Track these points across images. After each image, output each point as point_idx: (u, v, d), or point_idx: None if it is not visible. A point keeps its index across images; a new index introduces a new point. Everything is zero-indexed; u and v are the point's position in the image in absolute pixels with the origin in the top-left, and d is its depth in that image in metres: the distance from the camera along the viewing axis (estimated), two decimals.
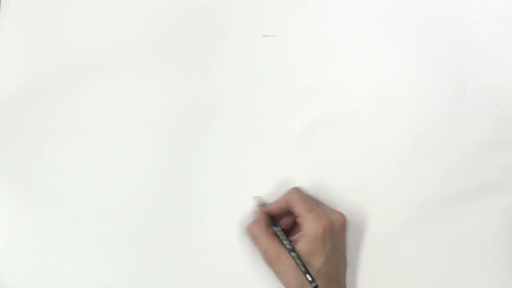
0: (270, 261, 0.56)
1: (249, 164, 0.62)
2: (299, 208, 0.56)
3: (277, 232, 0.57)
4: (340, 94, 0.62)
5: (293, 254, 0.54)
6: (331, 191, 0.61)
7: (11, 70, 0.61)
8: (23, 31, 0.62)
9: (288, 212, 0.58)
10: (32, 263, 0.59)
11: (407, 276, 0.60)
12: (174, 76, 0.62)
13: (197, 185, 0.61)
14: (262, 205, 0.59)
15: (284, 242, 0.56)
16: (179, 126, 0.62)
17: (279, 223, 0.58)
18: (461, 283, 0.60)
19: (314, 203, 0.58)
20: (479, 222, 0.61)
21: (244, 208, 0.61)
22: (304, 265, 0.54)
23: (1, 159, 0.60)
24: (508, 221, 0.61)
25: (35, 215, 0.60)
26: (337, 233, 0.56)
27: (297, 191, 0.58)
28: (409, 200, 0.61)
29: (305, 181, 0.61)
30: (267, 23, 0.63)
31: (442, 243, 0.61)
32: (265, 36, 0.63)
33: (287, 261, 0.55)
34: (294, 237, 0.56)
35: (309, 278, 0.53)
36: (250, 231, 0.58)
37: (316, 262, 0.54)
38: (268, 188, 0.60)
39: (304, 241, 0.55)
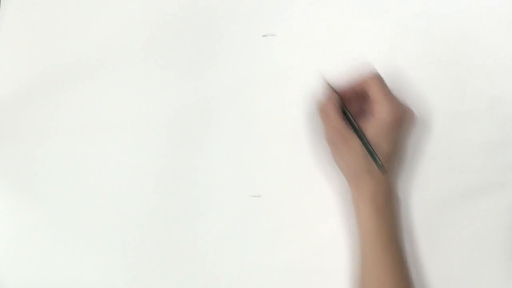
0: (335, 140, 0.56)
1: (249, 163, 0.62)
2: (377, 92, 0.55)
3: (348, 115, 0.56)
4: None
5: (363, 137, 0.54)
6: (330, 190, 0.61)
7: (11, 70, 0.62)
8: (23, 31, 0.62)
9: (358, 98, 0.57)
10: (32, 263, 0.59)
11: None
12: (174, 76, 0.62)
13: (198, 185, 0.61)
14: (332, 84, 0.58)
15: (355, 124, 0.55)
16: (179, 126, 0.62)
17: (348, 109, 0.57)
18: (461, 282, 0.60)
19: (391, 92, 0.57)
20: (479, 222, 0.61)
21: (244, 208, 0.61)
22: (374, 150, 0.53)
23: (1, 159, 0.60)
24: (508, 221, 0.61)
25: (35, 215, 0.60)
26: (405, 126, 0.56)
27: (378, 75, 0.57)
28: (409, 200, 0.61)
29: (305, 180, 0.61)
30: (267, 23, 0.63)
31: (442, 243, 0.61)
32: (265, 36, 0.63)
33: (354, 143, 0.55)
34: (363, 123, 0.56)
35: (380, 163, 0.53)
36: (323, 107, 0.57)
37: (382, 149, 0.54)
38: (269, 187, 0.60)
39: (374, 126, 0.55)
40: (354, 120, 0.56)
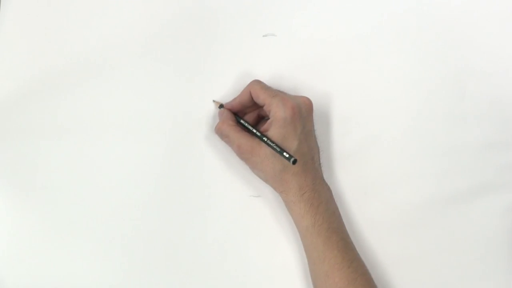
0: (245, 155, 0.57)
1: None
2: (263, 96, 0.56)
3: (246, 125, 0.58)
4: (340, 94, 0.62)
5: (265, 140, 0.55)
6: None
7: (11, 70, 0.61)
8: (23, 31, 0.62)
9: (250, 107, 0.59)
10: (32, 263, 0.59)
11: (407, 276, 0.60)
12: (174, 76, 0.62)
13: (198, 185, 0.61)
14: (223, 105, 0.60)
15: (255, 131, 0.56)
16: (179, 126, 0.62)
17: (244, 118, 0.59)
18: (461, 282, 0.61)
19: (276, 90, 0.58)
20: (479, 222, 0.61)
21: (244, 208, 0.61)
22: (279, 146, 0.54)
23: (1, 159, 0.60)
24: (508, 221, 0.61)
25: (35, 215, 0.60)
26: (305, 115, 0.57)
27: (257, 81, 0.58)
28: (409, 200, 0.61)
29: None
30: (267, 23, 0.63)
31: (442, 243, 0.61)
32: (265, 36, 0.63)
33: (261, 150, 0.55)
34: (263, 127, 0.57)
35: (287, 156, 0.53)
36: (219, 130, 0.58)
37: (290, 145, 0.55)
38: (269, 187, 0.60)
39: (275, 127, 0.55)
40: (252, 127, 0.57)
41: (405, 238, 0.61)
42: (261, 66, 0.62)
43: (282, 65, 0.63)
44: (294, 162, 0.53)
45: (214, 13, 0.63)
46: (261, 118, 0.61)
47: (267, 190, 0.61)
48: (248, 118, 0.60)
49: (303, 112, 0.56)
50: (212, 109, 0.62)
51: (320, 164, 0.59)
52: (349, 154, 0.62)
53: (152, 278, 0.60)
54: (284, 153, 0.53)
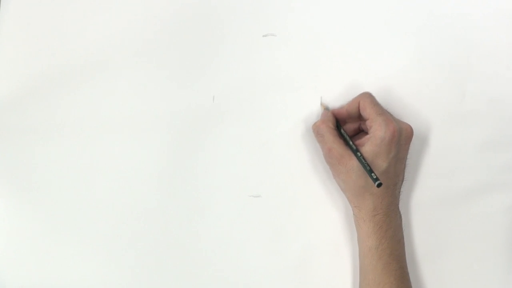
0: (333, 160, 0.57)
1: (249, 163, 0.61)
2: (370, 111, 0.56)
3: (343, 134, 0.58)
4: (340, 94, 0.62)
5: (359, 155, 0.55)
6: (331, 190, 0.61)
7: (11, 70, 0.61)
8: (23, 31, 0.62)
9: (354, 118, 0.59)
10: (32, 263, 0.59)
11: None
12: (174, 76, 0.62)
13: (198, 185, 0.61)
14: (329, 108, 0.60)
15: (350, 142, 0.56)
16: (179, 126, 0.62)
17: (344, 128, 0.59)
18: (461, 282, 0.61)
19: (384, 109, 0.58)
20: (479, 222, 0.61)
21: (244, 208, 0.61)
22: (368, 165, 0.54)
23: (1, 159, 0.60)
24: (508, 221, 0.61)
25: (35, 215, 0.60)
26: (403, 142, 0.57)
27: (369, 95, 0.58)
28: (409, 200, 0.61)
29: (306, 180, 0.61)
30: (267, 23, 0.63)
31: (442, 243, 0.61)
32: (265, 36, 0.63)
33: (350, 161, 0.55)
34: (359, 141, 0.57)
35: (374, 176, 0.53)
36: (317, 128, 0.58)
37: (379, 166, 0.55)
38: (269, 187, 0.60)
39: (370, 143, 0.55)
40: (349, 138, 0.57)
41: (404, 239, 0.61)
42: (261, 66, 0.62)
43: (282, 65, 0.63)
44: (379, 185, 0.53)
45: (214, 13, 0.63)
46: (359, 131, 0.61)
47: (267, 190, 0.61)
48: (348, 127, 0.60)
49: (402, 138, 0.56)
50: (213, 108, 0.62)
51: (400, 192, 0.59)
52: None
53: (152, 277, 0.60)
54: (372, 174, 0.53)
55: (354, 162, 0.55)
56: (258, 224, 0.61)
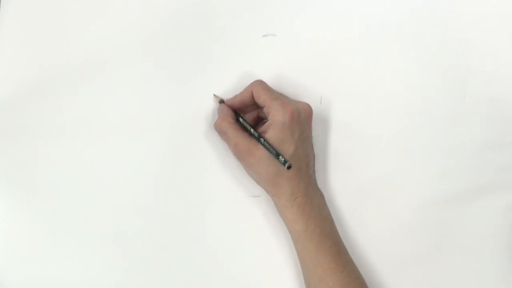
0: (241, 154, 0.56)
1: None
2: (264, 97, 0.56)
3: (244, 124, 0.58)
4: (340, 94, 0.62)
5: (262, 141, 0.55)
6: (330, 190, 0.61)
7: (11, 70, 0.61)
8: (23, 31, 0.62)
9: (250, 107, 0.59)
10: (32, 263, 0.59)
11: (407, 276, 0.60)
12: (173, 76, 0.62)
13: (198, 185, 0.61)
14: (223, 101, 0.60)
15: (253, 132, 0.56)
16: (179, 126, 0.62)
17: (243, 118, 0.59)
18: (461, 282, 0.61)
19: (278, 93, 0.58)
20: (479, 222, 0.61)
21: (244, 208, 0.61)
22: (275, 149, 0.54)
23: (1, 159, 0.60)
24: (508, 221, 0.61)
25: (35, 215, 0.60)
26: (303, 121, 0.57)
27: (260, 82, 0.58)
28: (409, 200, 0.62)
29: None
30: (267, 23, 0.63)
31: (442, 243, 0.61)
32: (265, 36, 0.63)
33: (258, 151, 0.55)
34: (261, 128, 0.57)
35: (282, 160, 0.53)
36: (218, 126, 0.58)
37: (287, 150, 0.55)
38: None
39: (272, 130, 0.55)
40: (250, 128, 0.57)
41: (404, 239, 0.61)
42: (261, 66, 0.62)
43: (282, 65, 0.63)
44: (289, 167, 0.53)
45: (214, 13, 0.63)
46: (260, 119, 0.61)
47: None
48: (247, 117, 0.60)
49: (302, 118, 0.56)
50: (212, 107, 0.62)
51: (314, 170, 0.59)
52: (348, 155, 0.62)
53: (152, 277, 0.60)
54: (280, 157, 0.53)
55: (262, 151, 0.55)
56: (258, 224, 0.61)
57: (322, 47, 0.63)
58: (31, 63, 0.62)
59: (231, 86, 0.62)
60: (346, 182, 0.61)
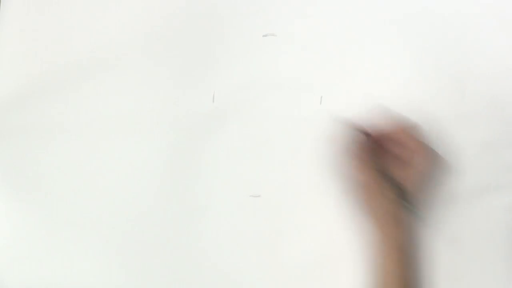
0: (369, 188, 0.55)
1: (250, 163, 0.61)
2: (415, 141, 0.55)
3: (378, 161, 0.56)
4: (339, 94, 0.62)
5: (394, 183, 0.54)
6: (331, 190, 0.61)
7: (11, 70, 0.61)
8: (23, 31, 0.62)
9: (389, 141, 0.57)
10: (32, 263, 0.59)
11: None
12: (174, 76, 0.62)
13: (198, 185, 0.61)
14: (362, 130, 0.58)
15: (386, 171, 0.55)
16: (180, 126, 0.62)
17: (378, 151, 0.57)
18: (461, 282, 0.60)
19: (426, 141, 0.57)
20: (479, 222, 0.61)
21: (244, 208, 0.61)
22: (404, 195, 0.54)
23: (1, 159, 0.60)
24: (508, 221, 0.61)
25: (35, 215, 0.60)
26: (438, 174, 0.56)
27: (412, 122, 0.57)
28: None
29: (305, 180, 0.61)
30: (267, 23, 0.63)
31: (442, 243, 0.61)
32: (265, 36, 0.63)
33: (388, 191, 0.54)
34: (396, 169, 0.56)
35: (410, 207, 0.53)
36: (355, 155, 0.56)
37: (418, 197, 0.55)
38: (269, 187, 0.60)
39: (411, 174, 0.55)
40: (386, 167, 0.56)
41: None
42: (261, 66, 0.62)
43: (282, 65, 0.63)
44: (415, 215, 0.54)
45: (214, 13, 0.63)
46: (392, 156, 0.58)
47: (267, 190, 0.61)
48: (380, 150, 0.58)
49: (438, 171, 0.57)
50: (213, 108, 0.62)
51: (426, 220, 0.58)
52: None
53: (153, 277, 0.60)
54: (409, 204, 0.54)
55: (392, 191, 0.55)
56: (258, 224, 0.61)
57: (322, 47, 0.63)
58: (31, 63, 0.62)
59: (231, 86, 0.62)
60: (346, 182, 0.61)
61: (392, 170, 0.56)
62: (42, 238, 0.60)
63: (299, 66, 0.63)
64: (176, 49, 0.62)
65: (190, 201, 0.61)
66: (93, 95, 0.61)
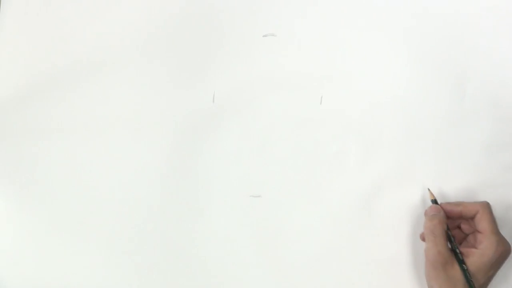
0: (436, 265, 0.56)
1: (250, 163, 0.62)
2: (486, 225, 0.56)
3: (451, 238, 0.57)
4: (339, 94, 0.62)
5: (464, 266, 0.55)
6: (331, 190, 0.61)
7: (11, 70, 0.61)
8: (23, 31, 0.62)
9: (459, 218, 0.59)
10: (32, 263, 0.59)
11: (407, 276, 0.60)
12: (174, 76, 0.62)
13: (198, 185, 0.61)
14: (437, 202, 0.59)
15: (457, 251, 0.56)
16: (179, 126, 0.62)
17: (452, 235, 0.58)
18: None
19: (497, 227, 0.57)
20: None
21: (244, 208, 0.61)
22: (472, 281, 0.54)
23: (1, 159, 0.60)
24: (509, 221, 0.61)
25: (35, 215, 0.60)
26: (503, 262, 0.57)
27: (489, 207, 0.58)
28: (409, 200, 0.61)
29: (305, 180, 0.61)
30: (267, 23, 0.63)
31: None
32: (265, 36, 0.63)
33: (452, 270, 0.55)
34: (465, 250, 0.57)
35: None
36: (434, 228, 0.57)
37: (480, 282, 0.55)
38: (269, 187, 0.60)
39: (477, 258, 0.55)
40: (457, 248, 0.57)
41: (404, 238, 0.61)
42: (261, 66, 0.62)
43: (282, 65, 0.63)
44: None
45: (214, 13, 0.63)
46: (459, 235, 0.60)
47: (267, 190, 0.61)
48: (452, 224, 0.59)
49: (503, 261, 0.57)
50: (213, 108, 0.62)
51: None
52: (348, 155, 0.62)
53: (153, 277, 0.60)
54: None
55: (458, 271, 0.55)
56: (258, 224, 0.61)
57: (322, 47, 0.63)
58: (31, 63, 0.62)
59: (231, 86, 0.62)
60: (346, 182, 0.61)
61: (463, 251, 0.57)
62: (42, 238, 0.60)
63: (299, 66, 0.63)
64: (176, 49, 0.62)
65: (190, 201, 0.61)
66: (93, 95, 0.61)
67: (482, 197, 0.61)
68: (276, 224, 0.61)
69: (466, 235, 0.59)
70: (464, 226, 0.59)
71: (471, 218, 0.58)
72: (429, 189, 0.60)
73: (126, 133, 0.61)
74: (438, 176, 0.62)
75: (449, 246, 0.57)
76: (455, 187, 0.62)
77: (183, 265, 0.60)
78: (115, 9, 0.63)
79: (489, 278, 0.56)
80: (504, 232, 0.57)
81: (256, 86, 0.62)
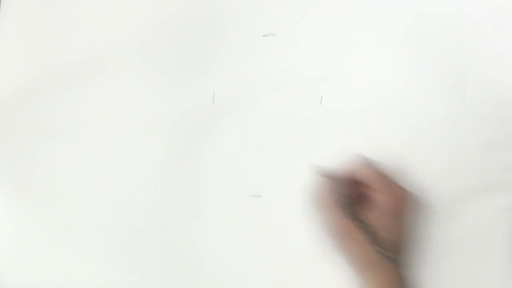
0: (339, 234, 0.54)
1: (250, 163, 0.62)
2: (373, 180, 0.55)
3: (345, 204, 0.55)
4: (339, 94, 0.62)
5: (363, 225, 0.53)
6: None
7: (11, 70, 0.61)
8: (23, 31, 0.62)
9: (352, 183, 0.56)
10: (32, 263, 0.59)
11: (407, 275, 0.60)
12: (174, 76, 0.62)
13: (198, 185, 0.61)
14: (326, 174, 0.57)
15: (354, 215, 0.54)
16: (179, 126, 0.62)
17: (342, 192, 0.56)
18: (461, 283, 0.60)
19: (388, 176, 0.56)
20: (479, 222, 0.61)
21: (244, 208, 0.61)
22: (376, 238, 0.52)
23: (1, 159, 0.60)
24: (508, 221, 0.61)
25: (35, 215, 0.60)
26: (406, 211, 0.55)
27: (369, 162, 0.56)
28: None
29: (305, 180, 0.61)
30: (267, 23, 0.63)
31: (442, 243, 0.61)
32: (265, 36, 0.63)
33: (358, 235, 0.53)
34: (363, 210, 0.55)
35: (385, 253, 0.52)
36: (320, 201, 0.56)
37: (387, 237, 0.53)
38: (269, 187, 0.60)
39: (376, 214, 0.54)
40: (355, 212, 0.55)
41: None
42: (261, 66, 0.62)
43: (282, 65, 0.63)
44: (391, 261, 0.52)
45: (214, 13, 0.63)
46: (358, 198, 0.58)
47: (267, 190, 0.61)
48: (346, 190, 0.57)
49: (408, 207, 0.55)
50: (213, 108, 0.62)
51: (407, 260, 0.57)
52: (348, 155, 0.62)
53: (152, 277, 0.60)
54: (384, 250, 0.53)
55: (362, 234, 0.53)
56: (258, 224, 0.61)
57: (322, 47, 0.63)
58: (31, 63, 0.62)
59: (231, 86, 0.62)
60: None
61: (361, 212, 0.54)
62: (42, 238, 0.60)
63: (299, 66, 0.63)
64: (176, 49, 0.62)
65: (190, 201, 0.61)
66: (94, 95, 0.61)
67: (482, 197, 0.61)
68: (276, 224, 0.61)
69: (364, 198, 0.57)
70: (362, 190, 0.56)
71: (361, 179, 0.56)
72: (313, 164, 0.57)
73: (126, 132, 0.61)
74: (438, 176, 0.62)
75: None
76: (455, 187, 0.62)
77: (183, 265, 0.60)
78: (115, 9, 0.63)
79: (396, 231, 0.53)
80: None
81: (256, 86, 0.62)
